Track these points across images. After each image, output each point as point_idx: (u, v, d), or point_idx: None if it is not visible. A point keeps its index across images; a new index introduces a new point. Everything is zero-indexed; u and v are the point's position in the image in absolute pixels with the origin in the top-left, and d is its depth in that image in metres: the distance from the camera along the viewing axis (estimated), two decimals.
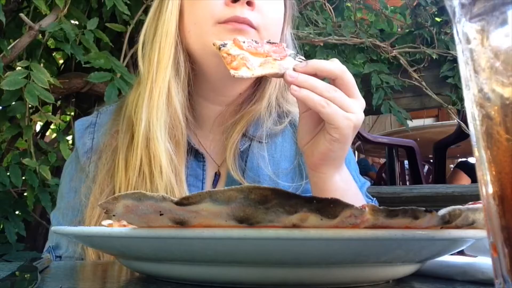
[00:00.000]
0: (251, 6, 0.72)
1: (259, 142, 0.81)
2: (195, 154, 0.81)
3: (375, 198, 0.88)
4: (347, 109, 0.62)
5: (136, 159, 0.73)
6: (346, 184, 0.70)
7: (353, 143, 0.83)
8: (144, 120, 0.73)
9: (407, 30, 2.33)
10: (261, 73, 0.62)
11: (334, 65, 0.62)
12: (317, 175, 0.68)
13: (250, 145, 0.81)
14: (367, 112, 0.66)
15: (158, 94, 0.74)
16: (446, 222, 0.35)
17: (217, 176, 0.82)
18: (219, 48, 0.63)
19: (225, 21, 0.71)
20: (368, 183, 0.89)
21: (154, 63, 0.75)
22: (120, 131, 0.78)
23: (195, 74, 0.79)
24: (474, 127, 0.26)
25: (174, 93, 0.75)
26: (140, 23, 1.57)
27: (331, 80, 0.63)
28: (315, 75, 0.62)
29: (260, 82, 0.83)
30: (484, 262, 0.42)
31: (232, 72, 0.60)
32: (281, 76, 0.62)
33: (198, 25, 0.74)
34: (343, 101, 0.62)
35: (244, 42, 0.63)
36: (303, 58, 0.66)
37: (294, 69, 0.62)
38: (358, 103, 0.63)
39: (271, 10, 0.76)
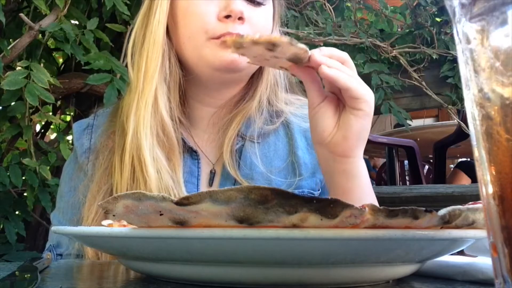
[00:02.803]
0: (242, 20, 0.74)
1: (252, 141, 0.82)
2: (190, 152, 0.82)
3: None
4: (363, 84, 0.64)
5: (127, 166, 0.75)
6: (365, 169, 0.70)
7: None
8: (131, 129, 0.75)
9: (407, 30, 2.33)
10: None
11: (340, 51, 0.64)
12: (349, 161, 0.67)
13: (243, 144, 0.82)
14: None
15: (144, 105, 0.75)
16: (446, 222, 0.35)
17: (212, 173, 0.83)
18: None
19: (218, 37, 0.73)
20: None
21: (142, 72, 0.76)
22: (116, 133, 0.80)
23: (187, 80, 0.81)
24: (474, 127, 0.26)
25: (160, 102, 0.76)
26: None
27: None
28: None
29: (252, 82, 0.85)
30: (484, 262, 0.42)
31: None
32: (301, 60, 0.60)
33: (192, 39, 0.76)
34: (359, 78, 0.64)
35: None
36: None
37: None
38: None
39: (261, 19, 0.78)
